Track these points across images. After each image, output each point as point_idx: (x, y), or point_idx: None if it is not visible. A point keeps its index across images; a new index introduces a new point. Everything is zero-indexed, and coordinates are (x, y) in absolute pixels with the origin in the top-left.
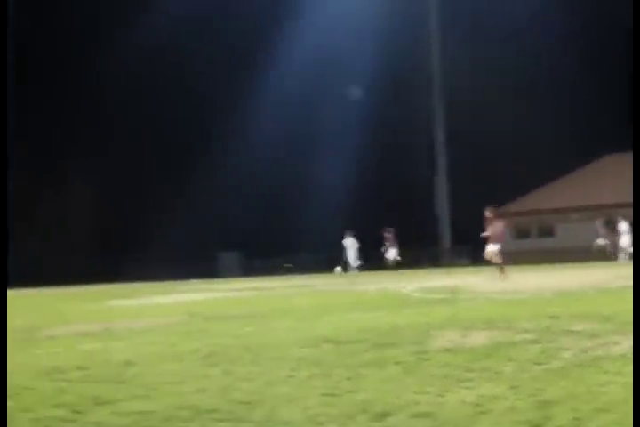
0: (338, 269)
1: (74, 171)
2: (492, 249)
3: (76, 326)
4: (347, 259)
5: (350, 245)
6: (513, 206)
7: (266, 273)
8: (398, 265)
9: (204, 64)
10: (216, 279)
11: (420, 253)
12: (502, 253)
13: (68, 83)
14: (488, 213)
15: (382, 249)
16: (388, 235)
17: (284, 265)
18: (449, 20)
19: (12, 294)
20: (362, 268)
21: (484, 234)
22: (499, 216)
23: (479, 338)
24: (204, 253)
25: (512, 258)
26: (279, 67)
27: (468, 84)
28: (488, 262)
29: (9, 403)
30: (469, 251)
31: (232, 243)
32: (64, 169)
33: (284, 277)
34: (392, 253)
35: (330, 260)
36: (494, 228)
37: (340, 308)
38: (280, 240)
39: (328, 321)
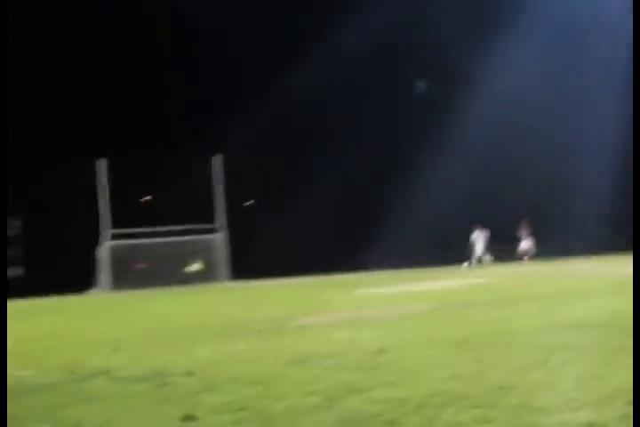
0: (465, 264)
1: (318, 153)
2: None
3: (327, 314)
4: (475, 253)
5: (477, 238)
6: None
7: (513, 259)
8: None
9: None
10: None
11: None
12: None
13: None
14: None
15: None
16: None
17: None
18: None
19: (259, 284)
20: (487, 261)
21: None
22: None
23: None
24: (448, 239)
25: None
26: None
27: None
28: None
29: (259, 389)
30: None
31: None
32: (308, 152)
33: (530, 262)
34: (525, 244)
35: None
36: None
37: (590, 292)
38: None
39: (578, 306)
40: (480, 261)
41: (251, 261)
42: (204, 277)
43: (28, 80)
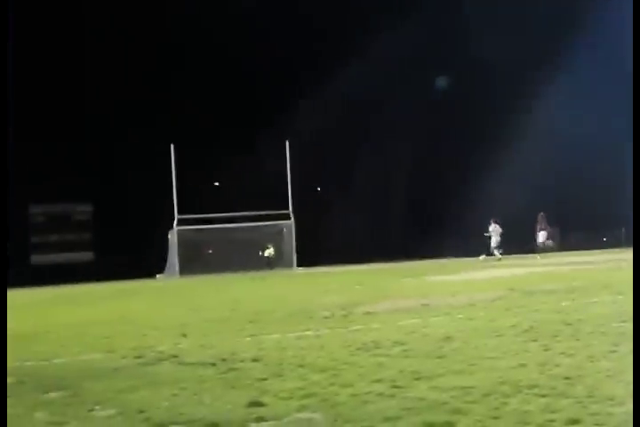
0: (482, 257)
1: (390, 139)
2: None
3: (395, 301)
4: (492, 245)
5: (493, 231)
6: None
7: (583, 247)
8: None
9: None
10: (532, 254)
11: None
12: None
13: None
14: None
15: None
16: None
17: (604, 239)
18: None
19: (327, 270)
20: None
21: None
22: None
23: None
24: (522, 227)
25: None
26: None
27: None
28: None
29: (326, 376)
30: None
31: (548, 217)
32: (379, 139)
33: (601, 251)
34: (541, 237)
35: None
36: None
37: None
38: (596, 214)
39: None
40: (492, 253)
41: (320, 248)
42: (273, 262)
43: (99, 70)
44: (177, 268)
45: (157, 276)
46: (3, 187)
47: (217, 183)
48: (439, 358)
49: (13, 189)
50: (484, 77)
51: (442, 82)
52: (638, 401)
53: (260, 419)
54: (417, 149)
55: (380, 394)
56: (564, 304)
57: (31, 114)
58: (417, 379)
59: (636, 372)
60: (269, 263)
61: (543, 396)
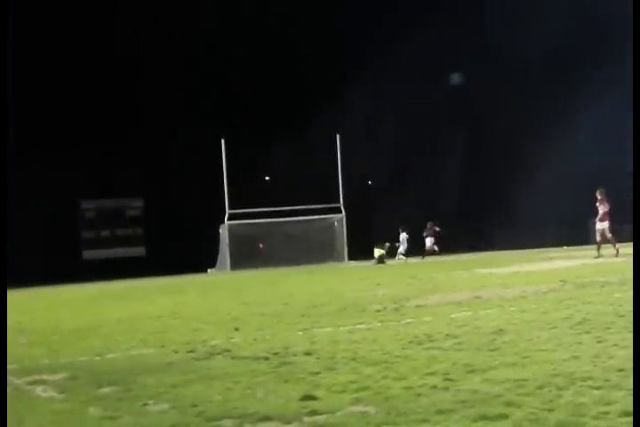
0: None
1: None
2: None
3: (446, 294)
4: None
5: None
6: None
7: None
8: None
9: None
10: (586, 246)
11: None
12: None
13: None
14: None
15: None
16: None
17: None
18: None
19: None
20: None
21: None
22: None
23: None
24: (574, 219)
25: None
26: None
27: None
28: None
29: (378, 369)
30: None
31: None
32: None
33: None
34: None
35: None
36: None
37: None
38: None
39: None
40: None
41: (371, 241)
42: (325, 256)
43: (152, 67)
44: (228, 262)
45: (209, 270)
46: (3, 189)
47: (267, 178)
48: (492, 350)
49: (65, 185)
50: (541, 68)
51: (456, 78)
52: (638, 399)
53: (314, 413)
54: (467, 142)
55: (434, 387)
56: (616, 296)
57: (85, 110)
58: (470, 372)
59: (636, 372)
60: (319, 257)
61: (597, 388)
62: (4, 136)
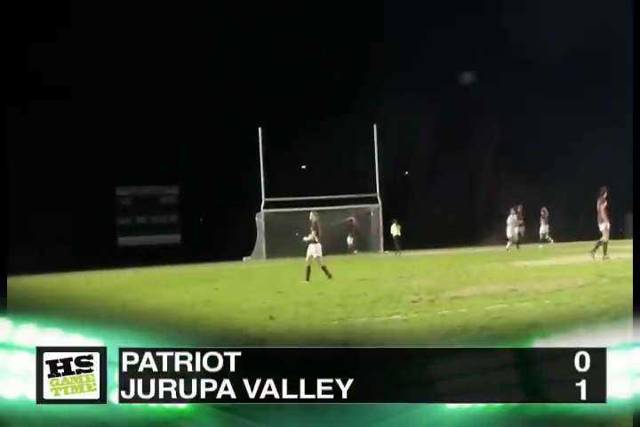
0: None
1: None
2: None
3: (482, 286)
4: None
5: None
6: None
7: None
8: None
9: None
10: (622, 240)
11: None
12: None
13: None
14: None
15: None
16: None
17: None
18: None
19: (414, 255)
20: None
21: None
22: None
23: None
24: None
25: None
26: None
27: None
28: None
29: None
30: None
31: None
32: (470, 123)
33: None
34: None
35: None
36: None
37: None
38: None
39: None
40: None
41: (406, 232)
42: (360, 246)
43: (186, 56)
44: (264, 251)
45: (244, 258)
46: (2, 186)
47: (304, 166)
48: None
49: (100, 172)
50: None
51: (466, 78)
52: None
53: None
54: (504, 134)
55: None
56: None
57: (123, 98)
58: None
59: None
60: (354, 247)
61: None
62: (3, 136)
